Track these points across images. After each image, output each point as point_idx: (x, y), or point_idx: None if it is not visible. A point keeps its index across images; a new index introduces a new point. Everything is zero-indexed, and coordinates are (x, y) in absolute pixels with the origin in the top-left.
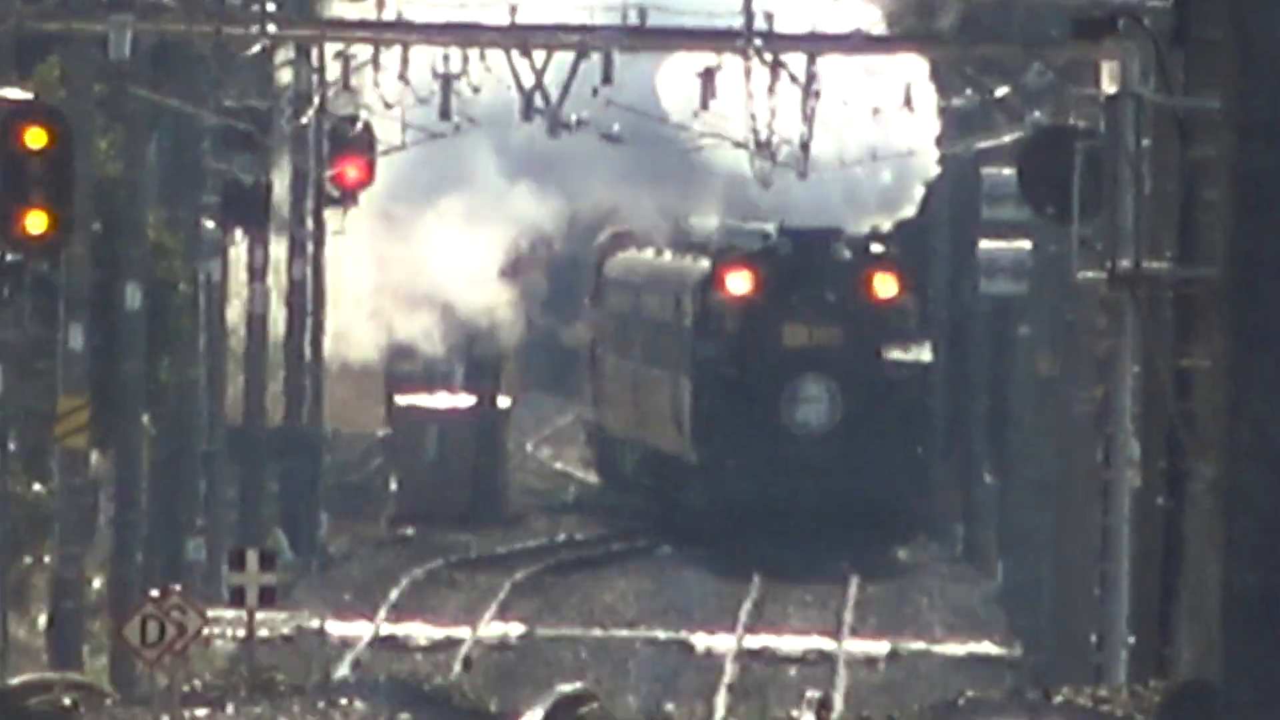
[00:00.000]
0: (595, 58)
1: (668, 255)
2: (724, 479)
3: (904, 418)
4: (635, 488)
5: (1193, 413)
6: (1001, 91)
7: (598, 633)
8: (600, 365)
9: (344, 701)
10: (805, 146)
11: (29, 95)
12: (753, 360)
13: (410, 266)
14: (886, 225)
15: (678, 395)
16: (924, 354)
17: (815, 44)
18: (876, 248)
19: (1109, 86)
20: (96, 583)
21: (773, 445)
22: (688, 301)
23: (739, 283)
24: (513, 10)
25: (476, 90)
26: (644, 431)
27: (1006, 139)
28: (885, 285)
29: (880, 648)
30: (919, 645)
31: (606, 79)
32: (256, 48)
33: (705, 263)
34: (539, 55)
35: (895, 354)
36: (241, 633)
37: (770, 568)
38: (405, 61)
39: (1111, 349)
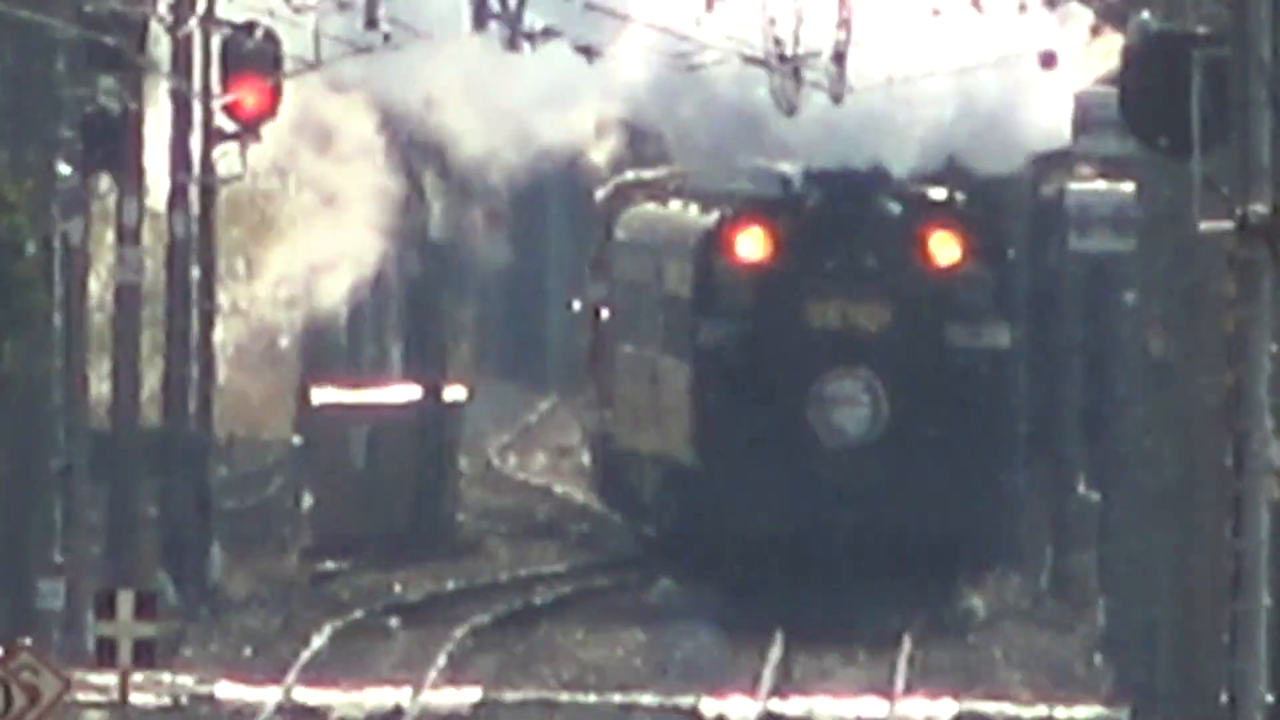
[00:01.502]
0: None
1: (693, 210)
2: (734, 505)
3: (972, 423)
4: (654, 517)
5: None
6: None
7: (576, 698)
8: (607, 355)
9: None
10: (840, 58)
11: None
12: (770, 348)
13: (327, 218)
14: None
15: (680, 394)
16: (999, 337)
17: None
18: (937, 194)
19: None
20: None
21: (797, 460)
22: (686, 269)
23: (751, 244)
24: None
25: None
26: (661, 443)
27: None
28: (947, 247)
29: (944, 711)
30: (994, 707)
31: None
32: None
33: (711, 218)
34: None
35: (961, 338)
36: (113, 699)
37: (796, 622)
38: None
39: (1243, 321)
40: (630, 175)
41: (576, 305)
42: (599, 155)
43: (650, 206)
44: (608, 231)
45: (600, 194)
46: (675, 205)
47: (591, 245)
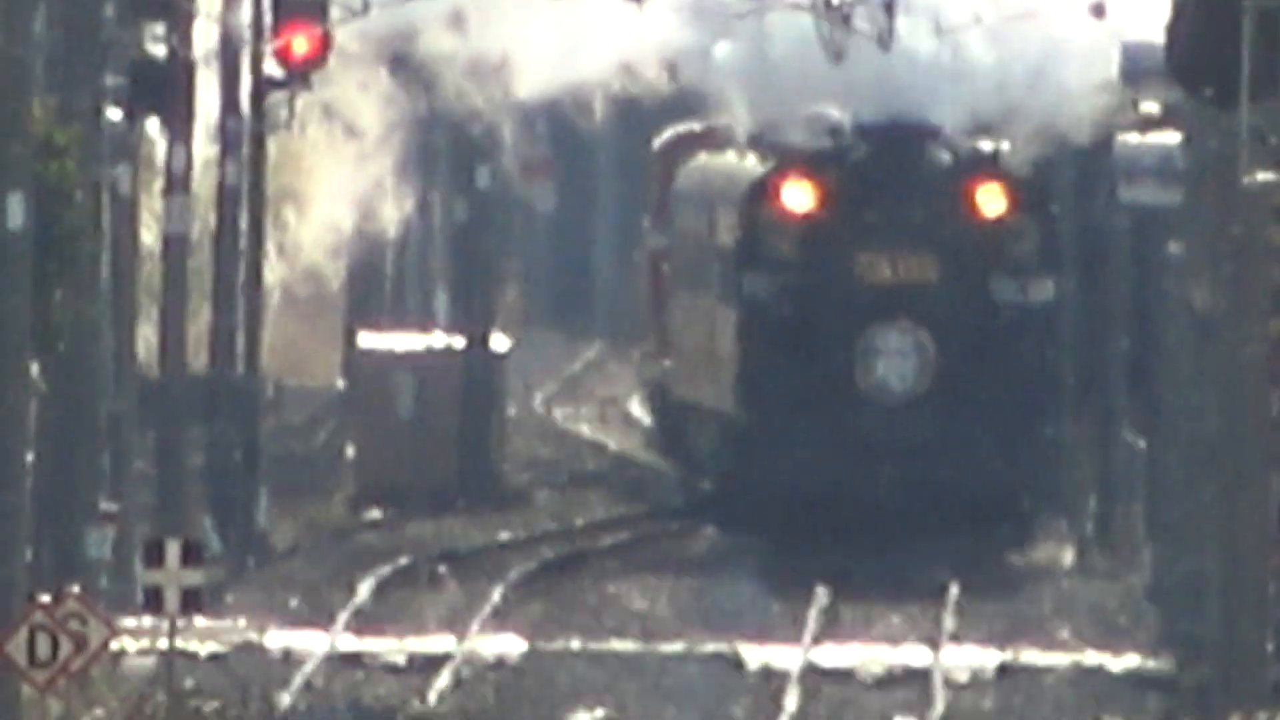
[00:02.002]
0: None
1: (750, 160)
2: (780, 459)
3: (1018, 377)
4: (710, 470)
5: None
6: None
7: (621, 646)
8: (666, 305)
9: None
10: (889, 6)
11: None
12: (816, 301)
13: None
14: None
15: (727, 346)
16: (1045, 292)
17: None
18: (984, 146)
19: None
20: None
21: (844, 414)
22: (734, 221)
23: (797, 196)
24: None
25: None
26: (716, 396)
27: None
28: (994, 200)
29: (989, 661)
30: (1040, 657)
31: None
32: None
33: (758, 169)
34: None
35: (1008, 292)
36: (160, 647)
37: (841, 577)
38: None
39: None
40: (687, 126)
41: (636, 256)
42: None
43: (707, 157)
44: (665, 182)
45: (657, 144)
46: (732, 156)
47: (650, 196)
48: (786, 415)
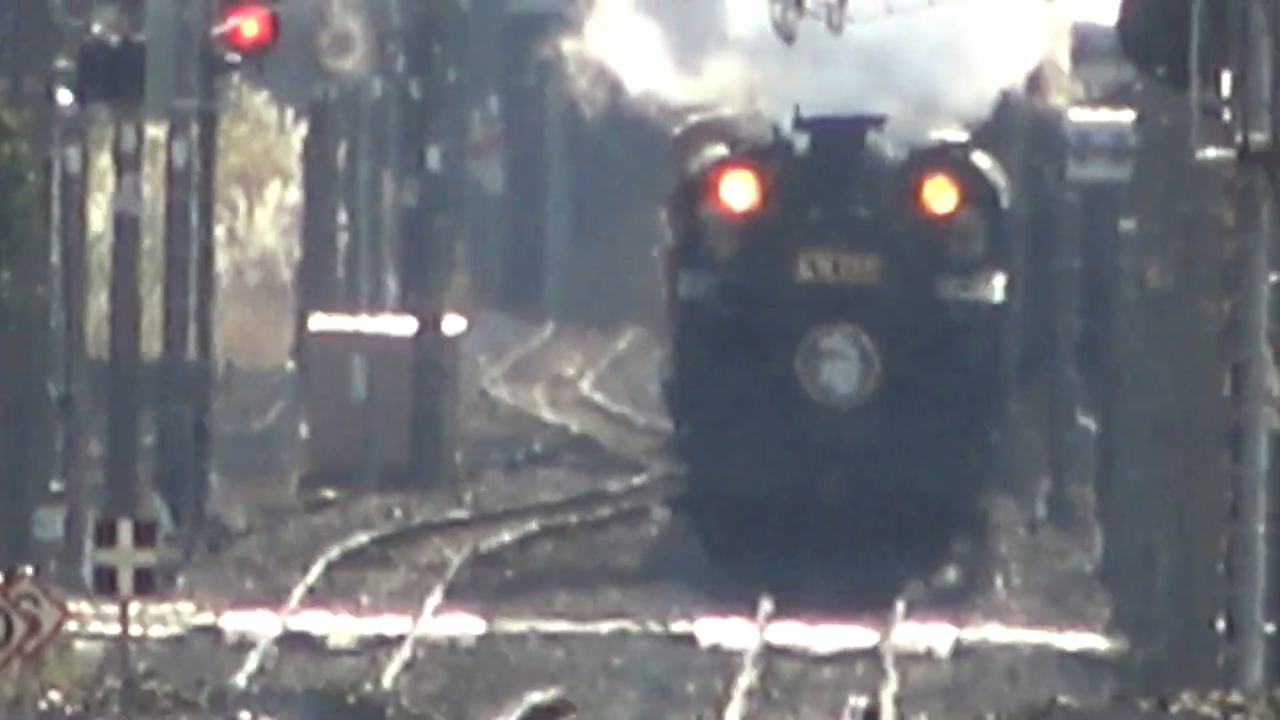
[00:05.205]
0: None
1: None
2: (717, 467)
3: (966, 379)
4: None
5: None
6: None
7: (576, 626)
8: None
9: (245, 717)
10: None
11: None
12: (756, 302)
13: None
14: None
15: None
16: (995, 290)
17: None
18: (931, 138)
19: None
20: None
21: (785, 421)
22: (667, 218)
23: (737, 192)
24: None
25: None
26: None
27: None
28: (942, 195)
29: (942, 639)
30: (993, 636)
31: None
32: None
33: (699, 163)
34: None
35: (955, 291)
36: (112, 630)
37: (785, 588)
38: None
39: (1242, 250)
40: (707, 114)
41: (656, 251)
42: None
43: (719, 149)
44: (681, 174)
45: (677, 132)
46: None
47: (668, 187)
48: (728, 419)
